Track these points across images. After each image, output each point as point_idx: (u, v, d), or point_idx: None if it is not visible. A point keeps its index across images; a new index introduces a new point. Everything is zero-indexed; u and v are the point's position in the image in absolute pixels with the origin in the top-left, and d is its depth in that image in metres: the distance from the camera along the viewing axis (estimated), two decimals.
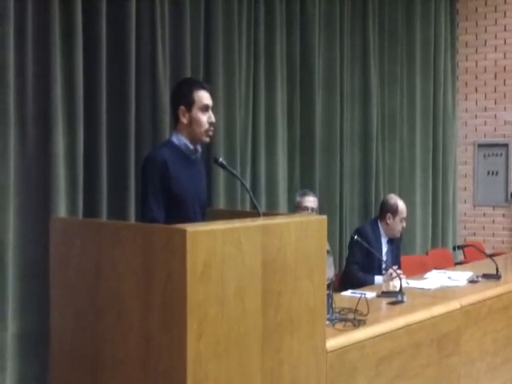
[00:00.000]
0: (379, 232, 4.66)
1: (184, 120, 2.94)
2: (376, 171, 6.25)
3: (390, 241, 4.71)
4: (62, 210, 3.65)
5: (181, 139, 2.97)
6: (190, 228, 2.07)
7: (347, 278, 4.51)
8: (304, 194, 4.65)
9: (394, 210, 4.64)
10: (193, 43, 4.57)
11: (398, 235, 4.76)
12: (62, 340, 2.42)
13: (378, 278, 4.35)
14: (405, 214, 4.69)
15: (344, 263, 5.04)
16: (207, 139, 3.00)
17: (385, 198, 4.90)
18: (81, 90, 3.79)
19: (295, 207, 4.62)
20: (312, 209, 4.54)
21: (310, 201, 4.59)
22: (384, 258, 4.54)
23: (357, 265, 4.53)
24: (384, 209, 4.70)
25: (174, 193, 2.86)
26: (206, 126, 2.94)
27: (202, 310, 2.06)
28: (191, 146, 2.98)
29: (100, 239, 2.29)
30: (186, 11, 4.49)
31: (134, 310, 2.16)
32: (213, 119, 2.97)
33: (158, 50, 4.26)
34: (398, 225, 4.65)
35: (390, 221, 4.64)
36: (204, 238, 2.08)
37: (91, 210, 3.84)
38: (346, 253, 5.25)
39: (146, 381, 2.13)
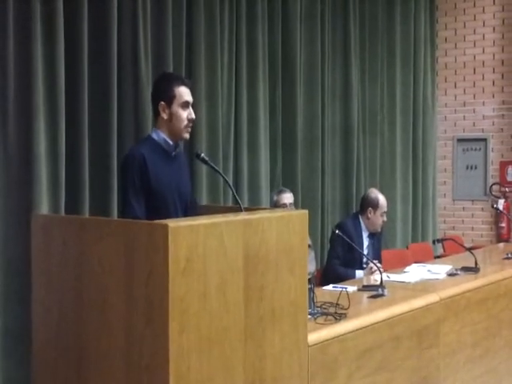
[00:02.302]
0: (360, 226, 4.71)
1: (164, 115, 2.95)
2: (357, 166, 6.30)
3: (371, 235, 4.76)
4: (44, 207, 3.64)
5: (160, 135, 2.98)
6: (172, 223, 2.08)
7: (328, 273, 4.55)
8: (280, 192, 4.72)
9: (375, 205, 4.69)
10: (175, 39, 4.57)
11: (379, 229, 4.81)
12: (45, 337, 2.42)
13: (359, 273, 4.39)
14: (385, 209, 4.75)
15: (326, 258, 5.08)
16: (187, 135, 3.01)
17: (366, 193, 4.95)
18: (62, 87, 3.77)
19: (273, 206, 4.67)
20: (290, 204, 4.62)
21: (288, 197, 4.66)
22: (365, 252, 4.59)
23: (338, 259, 4.57)
24: (365, 203, 4.75)
25: (152, 189, 2.87)
26: (186, 122, 2.96)
27: (185, 304, 2.08)
28: (171, 142, 2.99)
29: (82, 236, 2.30)
30: (167, 7, 4.49)
31: (117, 305, 2.17)
32: (192, 116, 2.98)
33: (139, 46, 4.26)
34: (378, 219, 4.71)
35: (370, 215, 4.69)
36: (186, 232, 2.10)
37: (74, 206, 3.83)
38: (327, 247, 5.29)
39: (129, 375, 2.15)
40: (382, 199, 4.74)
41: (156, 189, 2.88)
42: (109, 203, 4.00)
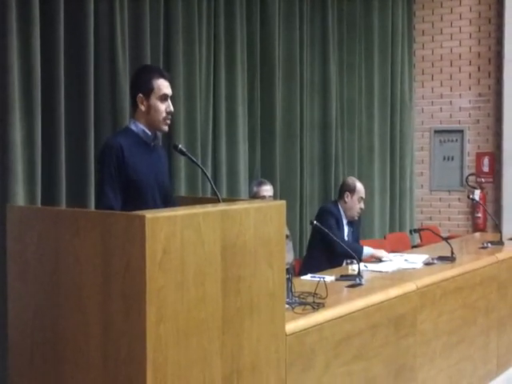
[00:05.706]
0: (340, 214, 4.71)
1: (142, 107, 2.94)
2: (335, 158, 6.33)
3: (350, 223, 4.76)
4: (20, 198, 3.61)
5: (138, 126, 2.96)
6: (149, 214, 2.08)
7: (313, 262, 4.48)
8: (261, 184, 4.71)
9: (352, 189, 4.70)
10: (152, 32, 4.54)
11: (357, 216, 4.77)
12: (21, 330, 2.40)
13: (368, 249, 4.35)
14: (363, 194, 4.74)
15: (304, 248, 5.09)
16: (165, 128, 2.99)
17: (343, 180, 4.98)
18: (39, 79, 3.73)
19: (253, 197, 4.66)
20: (269, 197, 4.62)
21: (267, 189, 4.65)
22: (346, 239, 4.60)
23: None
24: (342, 189, 4.76)
25: (130, 179, 2.85)
26: (164, 114, 2.94)
27: (162, 295, 2.08)
28: (149, 133, 2.97)
29: (58, 227, 2.28)
30: (145, 1, 4.45)
31: (94, 297, 2.16)
32: (171, 108, 2.97)
33: (117, 39, 4.23)
34: (355, 204, 4.68)
35: (348, 199, 4.67)
36: (163, 223, 2.09)
37: (50, 197, 3.80)
38: (305, 238, 5.31)
39: (106, 368, 2.14)
40: (359, 185, 4.75)
41: (133, 179, 2.86)
42: (86, 194, 3.98)
